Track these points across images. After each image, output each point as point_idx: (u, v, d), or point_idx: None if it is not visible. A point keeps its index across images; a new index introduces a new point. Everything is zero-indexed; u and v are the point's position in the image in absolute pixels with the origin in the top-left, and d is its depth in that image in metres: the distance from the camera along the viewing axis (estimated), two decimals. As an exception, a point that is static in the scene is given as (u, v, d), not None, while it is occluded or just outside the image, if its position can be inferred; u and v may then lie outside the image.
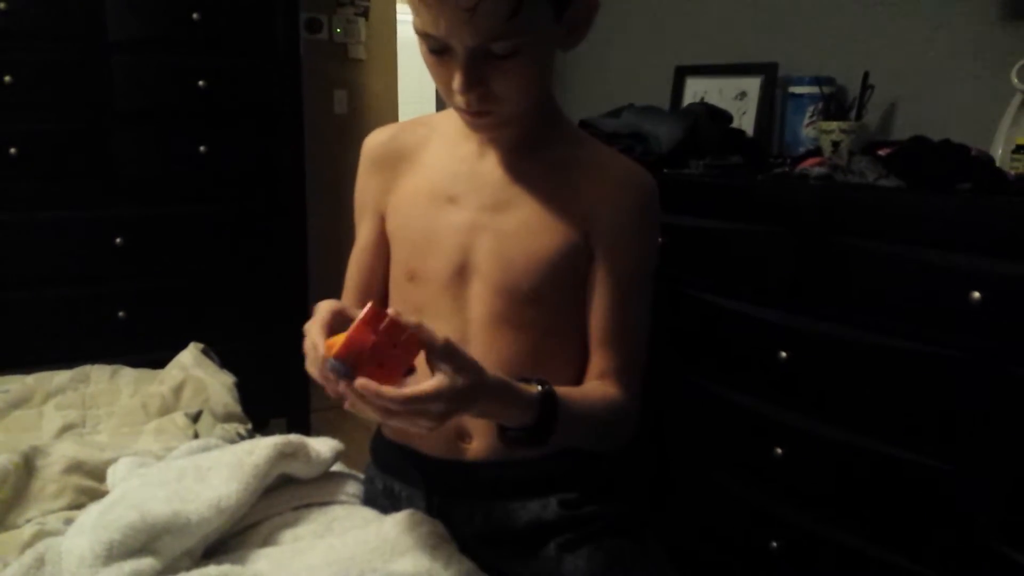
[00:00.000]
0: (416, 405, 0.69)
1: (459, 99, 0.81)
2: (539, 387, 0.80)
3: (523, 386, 0.79)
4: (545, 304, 0.89)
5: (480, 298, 0.89)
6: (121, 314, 2.23)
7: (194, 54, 2.25)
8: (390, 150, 0.96)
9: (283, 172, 2.42)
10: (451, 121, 0.93)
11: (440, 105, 2.99)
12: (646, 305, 0.94)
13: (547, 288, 0.88)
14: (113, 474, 1.03)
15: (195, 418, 1.30)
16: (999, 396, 1.13)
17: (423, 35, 0.79)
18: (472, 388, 0.72)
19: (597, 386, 0.90)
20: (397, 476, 0.98)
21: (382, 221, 0.97)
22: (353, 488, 1.01)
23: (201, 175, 2.31)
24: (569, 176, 0.90)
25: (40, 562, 0.82)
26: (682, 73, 1.99)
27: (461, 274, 0.90)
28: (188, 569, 0.81)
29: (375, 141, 0.98)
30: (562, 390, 0.82)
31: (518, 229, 0.88)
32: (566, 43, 0.85)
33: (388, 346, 0.70)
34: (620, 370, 0.91)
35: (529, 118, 0.89)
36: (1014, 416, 1.12)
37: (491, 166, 0.91)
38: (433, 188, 0.92)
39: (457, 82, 0.79)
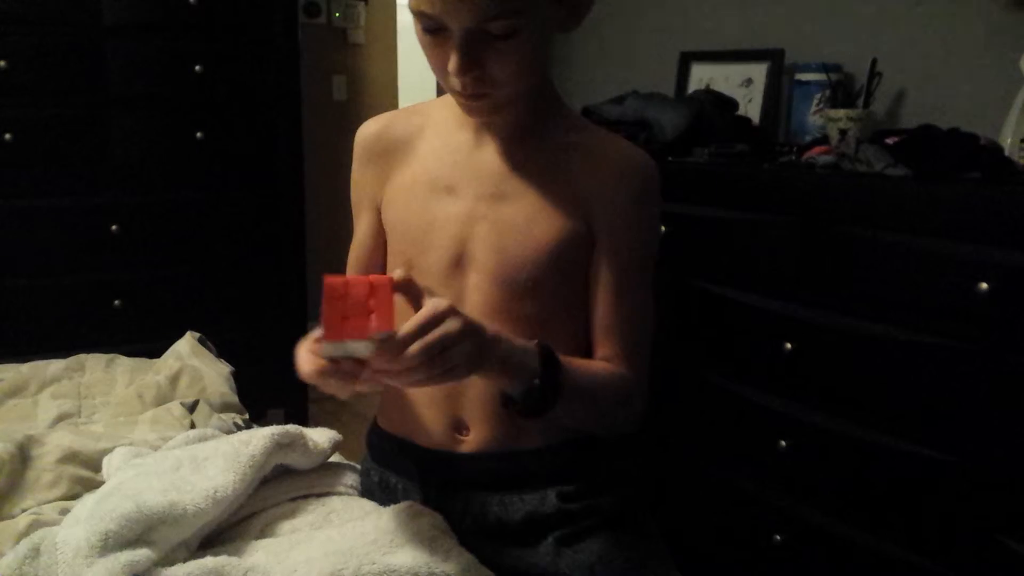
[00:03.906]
0: (434, 333, 0.69)
1: (454, 81, 0.80)
2: (532, 342, 0.80)
3: (518, 339, 0.80)
4: (543, 295, 0.88)
5: (478, 289, 0.88)
6: (117, 302, 2.22)
7: (190, 39, 2.23)
8: (384, 141, 0.95)
9: (281, 159, 2.41)
10: (446, 109, 0.91)
11: (441, 94, 2.97)
12: (649, 290, 0.93)
13: (545, 279, 0.87)
14: (108, 464, 1.02)
15: (191, 408, 1.29)
16: (1007, 388, 1.12)
17: (418, 14, 0.78)
18: (477, 321, 0.73)
19: (600, 362, 0.89)
20: (393, 468, 0.98)
21: (376, 215, 0.96)
22: (351, 479, 1.00)
23: (198, 162, 2.29)
24: (568, 163, 0.89)
25: (35, 552, 0.81)
26: (687, 59, 1.97)
27: (458, 265, 0.89)
28: (184, 560, 0.81)
29: (368, 132, 0.96)
30: (562, 356, 0.82)
31: (517, 219, 0.87)
32: (566, 24, 0.83)
33: (362, 310, 0.69)
34: (625, 356, 0.90)
35: (526, 102, 0.87)
36: (1021, 407, 1.11)
37: (489, 155, 0.89)
38: (430, 178, 0.91)
39: (453, 64, 0.78)
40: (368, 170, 0.96)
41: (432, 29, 0.78)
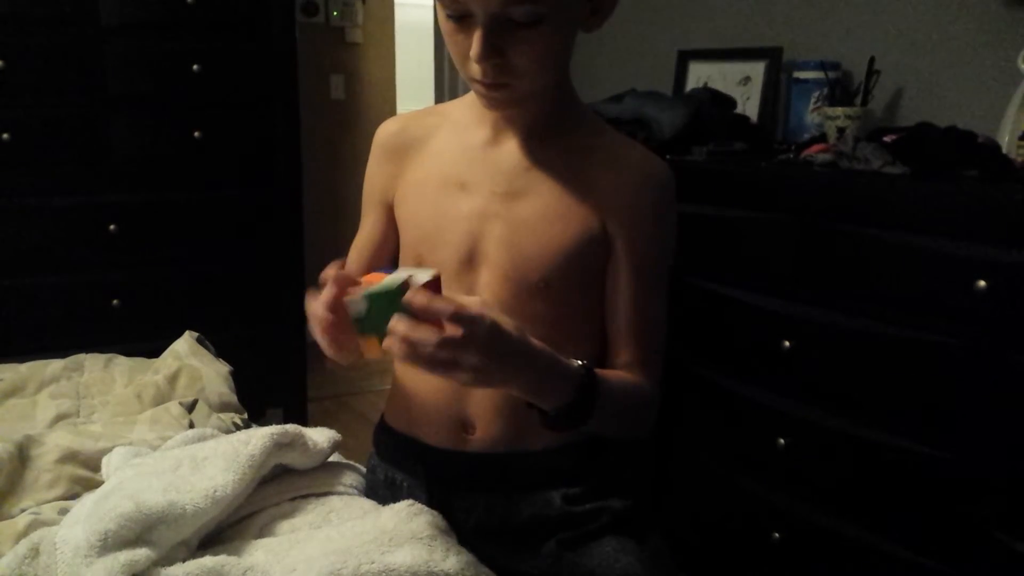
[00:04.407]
0: (465, 324, 0.67)
1: (475, 69, 0.80)
2: (579, 362, 0.79)
3: (564, 358, 0.78)
4: (555, 296, 0.87)
5: (488, 287, 0.88)
6: (115, 302, 2.21)
7: (188, 38, 2.23)
8: (400, 140, 0.95)
9: (279, 158, 2.40)
10: (464, 108, 0.92)
11: (440, 93, 2.97)
12: (665, 295, 0.93)
13: (557, 280, 0.87)
14: (107, 464, 1.02)
15: (190, 408, 1.29)
16: (1004, 385, 1.12)
17: (443, 0, 0.78)
18: (520, 344, 0.72)
19: (624, 374, 0.89)
20: (399, 466, 0.98)
21: (387, 211, 0.96)
22: (351, 479, 1.00)
23: (196, 161, 2.29)
24: (585, 165, 0.88)
25: (35, 552, 0.81)
26: (685, 58, 1.97)
27: (470, 262, 0.88)
28: (183, 560, 0.81)
29: (386, 131, 0.97)
30: (599, 371, 0.82)
31: (531, 218, 0.87)
32: (589, 24, 0.84)
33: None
34: (643, 363, 0.90)
35: (545, 100, 0.87)
36: (1018, 405, 1.11)
37: (505, 152, 0.89)
38: (443, 175, 0.91)
39: (475, 49, 0.77)
40: (382, 167, 0.96)
41: (456, 16, 0.78)
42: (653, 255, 0.90)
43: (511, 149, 0.89)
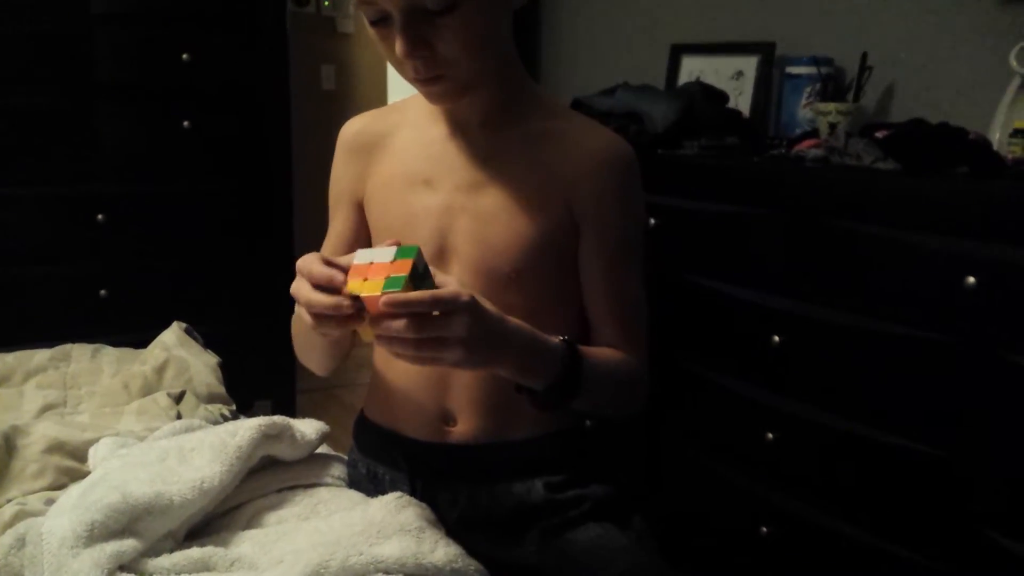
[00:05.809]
0: (445, 303, 0.68)
1: (407, 67, 0.80)
2: (559, 338, 0.80)
3: (544, 335, 0.79)
4: (527, 286, 0.88)
5: (460, 281, 0.88)
6: (103, 292, 2.20)
7: (178, 27, 2.22)
8: (363, 138, 0.96)
9: (269, 149, 2.39)
10: (422, 104, 0.91)
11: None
12: (640, 273, 0.94)
13: (528, 270, 0.87)
14: (94, 454, 1.02)
15: (178, 399, 1.28)
16: (993, 382, 1.13)
17: (360, 5, 0.78)
18: (501, 323, 0.73)
19: (609, 350, 0.90)
20: (380, 460, 0.98)
21: (356, 210, 0.97)
22: (339, 470, 1.00)
23: (185, 151, 2.27)
24: (545, 150, 0.88)
25: (21, 542, 0.81)
26: (678, 52, 1.97)
27: (440, 257, 0.89)
28: (171, 551, 0.81)
29: (349, 131, 0.97)
30: (580, 346, 0.82)
31: (496, 209, 0.87)
32: None
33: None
34: (628, 340, 0.91)
35: (493, 88, 0.87)
36: (1007, 402, 1.12)
37: (463, 145, 0.89)
38: (408, 172, 0.91)
39: (399, 47, 0.77)
40: (348, 167, 0.96)
41: (376, 20, 0.78)
42: (624, 236, 0.91)
43: (469, 141, 0.89)
